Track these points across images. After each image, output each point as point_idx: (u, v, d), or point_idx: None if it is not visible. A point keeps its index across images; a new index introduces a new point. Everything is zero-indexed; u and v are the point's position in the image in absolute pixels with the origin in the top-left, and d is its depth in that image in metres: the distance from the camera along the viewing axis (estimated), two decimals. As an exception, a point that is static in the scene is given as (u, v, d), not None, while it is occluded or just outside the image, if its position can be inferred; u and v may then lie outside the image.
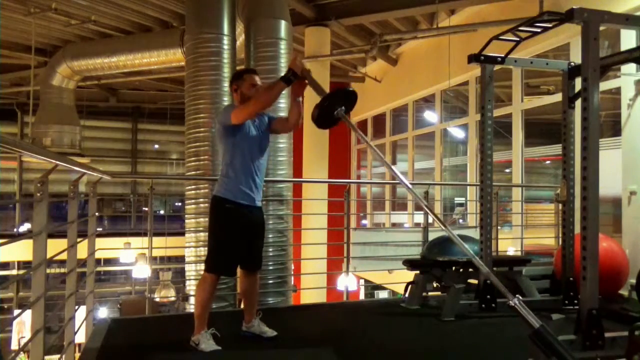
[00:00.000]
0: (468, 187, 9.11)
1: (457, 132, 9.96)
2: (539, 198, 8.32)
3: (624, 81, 5.64)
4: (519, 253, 6.69)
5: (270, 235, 5.44)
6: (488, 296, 3.97)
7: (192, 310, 3.26)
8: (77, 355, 3.45)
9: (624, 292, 4.60)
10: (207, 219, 3.64)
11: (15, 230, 13.82)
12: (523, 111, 7.67)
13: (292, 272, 6.33)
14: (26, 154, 2.25)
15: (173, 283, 10.10)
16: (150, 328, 3.89)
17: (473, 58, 4.09)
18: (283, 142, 5.72)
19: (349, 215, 5.48)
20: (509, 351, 3.17)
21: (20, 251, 10.69)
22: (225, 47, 5.66)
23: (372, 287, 12.00)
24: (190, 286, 5.69)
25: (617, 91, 5.79)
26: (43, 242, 2.36)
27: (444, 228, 2.59)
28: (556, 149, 6.11)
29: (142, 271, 9.07)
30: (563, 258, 4.19)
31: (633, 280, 4.27)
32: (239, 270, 3.24)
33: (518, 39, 3.77)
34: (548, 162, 8.18)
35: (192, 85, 5.68)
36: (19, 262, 12.83)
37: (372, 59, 11.72)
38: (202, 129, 5.64)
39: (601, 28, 3.08)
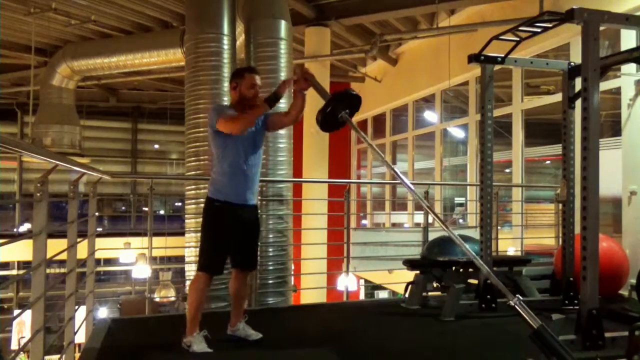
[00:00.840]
0: (468, 187, 9.11)
1: (457, 132, 9.96)
2: (539, 198, 8.31)
3: (624, 81, 5.64)
4: (519, 253, 6.69)
5: (270, 235, 5.44)
6: (488, 296, 3.97)
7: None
8: (77, 355, 3.44)
9: (624, 292, 4.60)
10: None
11: (15, 230, 13.82)
12: (523, 111, 7.67)
13: (292, 272, 6.32)
14: (26, 154, 2.25)
15: (173, 283, 10.11)
16: (150, 328, 3.89)
17: (473, 58, 4.09)
18: (283, 142, 5.71)
19: (349, 215, 5.48)
20: (509, 351, 3.17)
21: (20, 251, 10.69)
22: (225, 47, 5.66)
23: (372, 287, 11.99)
24: (190, 286, 5.68)
25: (617, 91, 5.79)
26: (43, 242, 2.36)
27: (445, 229, 2.59)
28: (556, 149, 6.11)
29: (142, 271, 9.07)
30: (563, 258, 4.19)
31: (633, 280, 4.27)
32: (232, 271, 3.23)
33: (518, 39, 3.77)
34: (548, 162, 8.17)
35: (192, 85, 5.67)
36: (19, 262, 12.83)
37: (372, 59, 11.71)
38: (202, 129, 5.62)
39: (601, 28, 3.08)
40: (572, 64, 4.20)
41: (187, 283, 5.95)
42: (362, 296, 12.07)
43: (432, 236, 5.60)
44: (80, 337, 3.65)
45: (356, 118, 13.67)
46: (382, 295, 11.58)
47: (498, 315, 3.91)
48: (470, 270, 4.16)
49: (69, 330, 3.11)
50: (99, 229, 5.08)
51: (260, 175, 3.33)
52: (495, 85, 4.48)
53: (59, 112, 10.33)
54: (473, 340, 3.49)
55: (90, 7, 8.69)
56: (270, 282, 5.48)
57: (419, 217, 8.37)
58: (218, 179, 3.10)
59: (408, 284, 4.43)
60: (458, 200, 10.79)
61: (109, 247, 8.82)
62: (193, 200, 5.62)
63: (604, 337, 2.90)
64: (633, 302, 4.27)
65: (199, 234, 3.28)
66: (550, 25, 3.50)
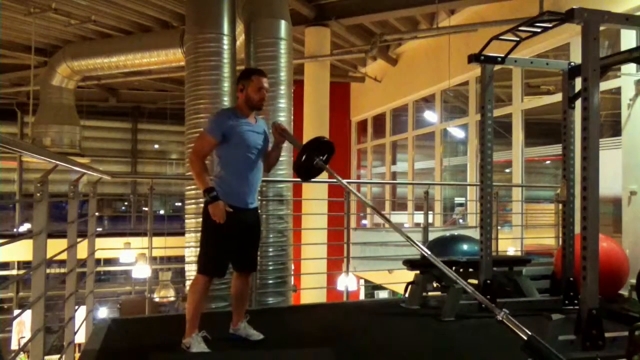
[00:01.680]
0: (468, 187, 9.11)
1: (457, 132, 9.96)
2: (539, 198, 8.31)
3: (624, 81, 5.64)
4: (519, 253, 6.69)
5: (270, 235, 5.43)
6: (488, 296, 3.97)
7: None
8: (77, 355, 3.44)
9: (624, 292, 4.60)
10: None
11: (15, 230, 13.82)
12: (523, 111, 7.67)
13: (292, 272, 6.32)
14: (26, 154, 2.24)
15: (173, 283, 10.11)
16: (150, 328, 3.89)
17: (473, 58, 4.09)
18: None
19: (349, 215, 5.49)
20: (508, 351, 3.16)
21: (20, 251, 10.70)
22: (225, 47, 5.65)
23: (372, 287, 11.99)
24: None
25: (617, 91, 5.79)
26: (43, 242, 2.36)
27: (386, 221, 2.59)
28: (556, 149, 6.11)
29: (141, 271, 9.06)
30: (563, 258, 4.19)
31: (633, 280, 4.27)
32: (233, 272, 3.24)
33: (518, 39, 3.77)
34: (548, 162, 8.17)
35: (192, 85, 5.67)
36: (19, 262, 12.83)
37: (372, 58, 11.71)
38: (201, 129, 5.63)
39: (601, 28, 3.08)
40: (572, 64, 4.20)
41: (187, 283, 5.97)
42: (362, 296, 12.07)
43: (432, 236, 5.61)
44: (80, 337, 3.65)
45: (356, 118, 13.71)
46: (382, 295, 11.58)
47: (498, 315, 3.91)
48: (470, 270, 4.16)
49: (69, 330, 3.10)
50: (99, 229, 5.08)
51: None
52: (495, 85, 4.48)
53: (59, 112, 10.32)
54: (473, 340, 3.49)
55: (90, 7, 8.68)
56: (270, 282, 5.47)
57: (419, 217, 8.37)
58: (219, 183, 3.09)
59: (408, 284, 4.43)
60: (458, 200, 10.79)
61: (109, 247, 8.81)
62: (193, 200, 5.62)
63: (604, 337, 2.90)
64: (633, 302, 4.27)
65: (199, 234, 3.27)
66: (550, 25, 3.50)
